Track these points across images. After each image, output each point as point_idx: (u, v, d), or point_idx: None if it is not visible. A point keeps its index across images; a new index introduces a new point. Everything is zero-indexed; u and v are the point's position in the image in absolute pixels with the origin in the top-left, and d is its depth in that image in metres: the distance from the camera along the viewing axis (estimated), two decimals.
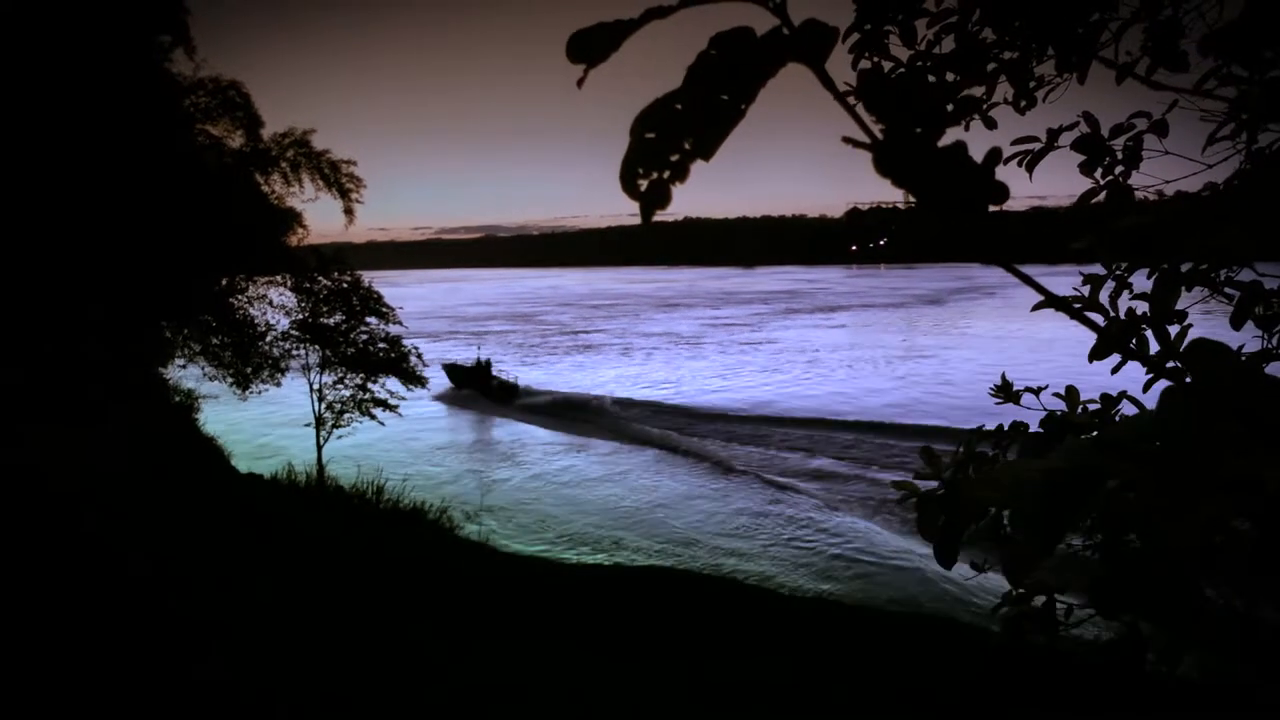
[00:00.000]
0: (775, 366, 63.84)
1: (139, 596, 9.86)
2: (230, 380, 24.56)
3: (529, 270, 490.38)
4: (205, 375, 24.75)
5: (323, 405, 25.88)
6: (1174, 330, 1.85)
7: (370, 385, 26.13)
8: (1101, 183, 2.54)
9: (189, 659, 8.56)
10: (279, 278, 25.83)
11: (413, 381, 26.42)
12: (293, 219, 25.03)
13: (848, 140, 0.65)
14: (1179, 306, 1.81)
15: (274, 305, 26.02)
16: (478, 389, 54.39)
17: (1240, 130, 2.24)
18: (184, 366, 24.62)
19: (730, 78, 0.67)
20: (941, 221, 0.64)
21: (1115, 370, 1.66)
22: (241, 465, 25.16)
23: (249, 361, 24.58)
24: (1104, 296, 1.97)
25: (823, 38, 0.65)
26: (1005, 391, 2.83)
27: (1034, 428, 2.32)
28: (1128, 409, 2.21)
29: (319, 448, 25.20)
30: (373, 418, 26.11)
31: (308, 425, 26.28)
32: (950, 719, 9.23)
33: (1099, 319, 1.78)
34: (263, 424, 38.74)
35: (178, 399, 26.17)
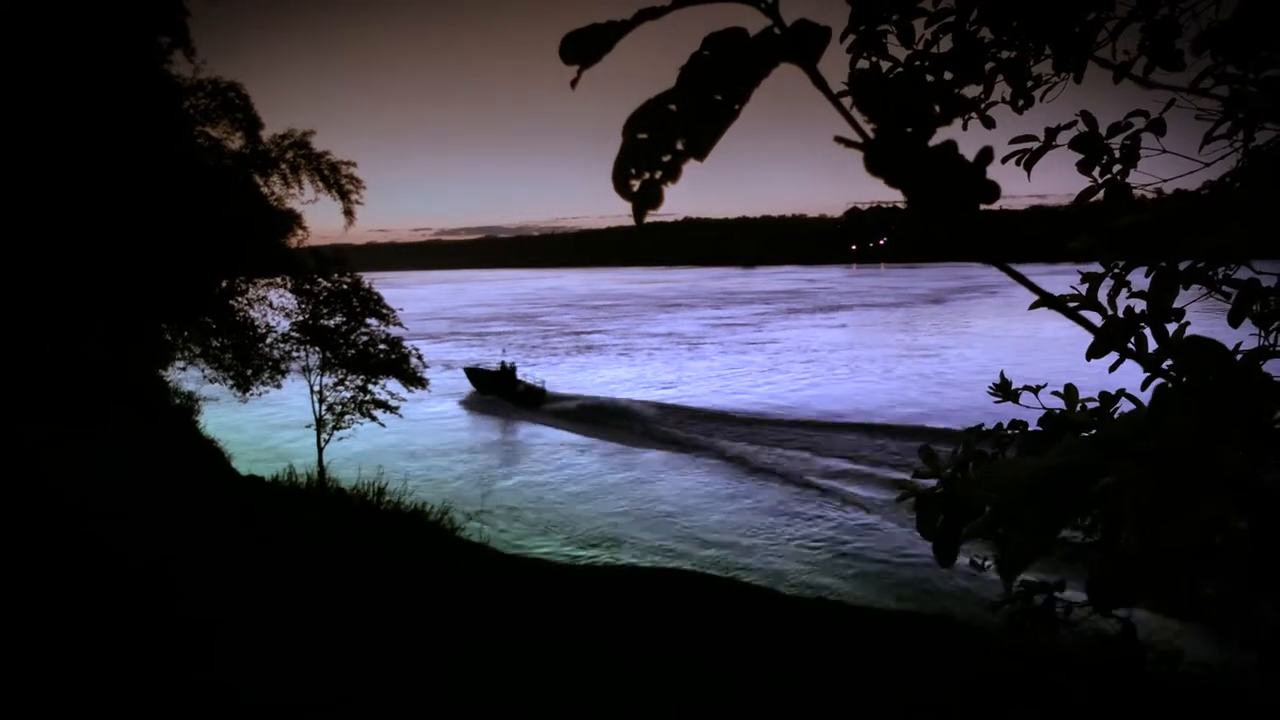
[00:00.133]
0: (789, 367, 63.65)
1: (139, 597, 9.87)
2: (230, 382, 24.56)
3: (529, 271, 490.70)
4: (205, 377, 24.75)
5: (323, 407, 25.89)
6: (1172, 328, 1.86)
7: (371, 387, 26.14)
8: (1100, 181, 2.54)
9: (188, 660, 8.56)
10: (279, 279, 25.85)
11: (413, 383, 26.44)
12: (292, 220, 25.03)
13: (840, 140, 0.65)
14: (1177, 304, 1.81)
15: (274, 307, 26.04)
16: (502, 394, 52.90)
17: (1237, 128, 2.24)
18: (184, 369, 24.63)
19: (723, 78, 0.67)
20: (934, 221, 0.65)
21: (1113, 368, 1.66)
22: (244, 467, 25.17)
23: (249, 363, 24.58)
24: (1103, 295, 1.97)
25: (814, 38, 0.65)
26: (1004, 390, 2.83)
27: (1035, 426, 2.32)
28: (1126, 407, 2.21)
29: (319, 449, 25.21)
30: (373, 419, 26.13)
31: (308, 427, 26.30)
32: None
33: (1097, 317, 1.78)
34: (265, 426, 38.76)
35: (178, 401, 26.18)
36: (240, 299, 25.07)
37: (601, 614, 13.69)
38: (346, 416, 25.96)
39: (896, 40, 2.71)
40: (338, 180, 25.95)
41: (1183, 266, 1.85)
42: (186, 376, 25.31)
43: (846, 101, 0.67)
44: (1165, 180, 2.56)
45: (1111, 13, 2.38)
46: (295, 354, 26.07)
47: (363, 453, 31.69)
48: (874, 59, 2.74)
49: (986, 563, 2.68)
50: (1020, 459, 1.03)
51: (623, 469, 34.53)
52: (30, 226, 14.55)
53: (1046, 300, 1.03)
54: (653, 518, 27.68)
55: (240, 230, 21.14)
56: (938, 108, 2.66)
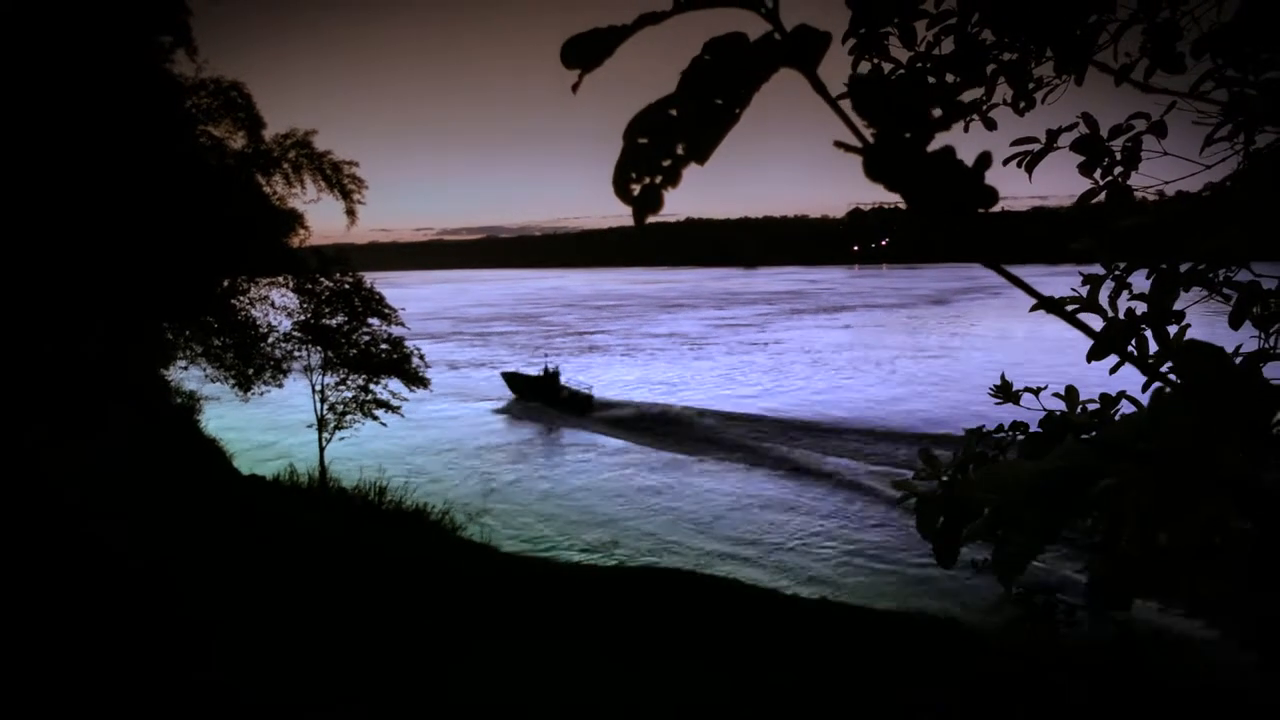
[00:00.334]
0: (810, 369, 62.82)
1: (139, 597, 9.87)
2: (232, 381, 24.57)
3: (531, 271, 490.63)
4: (207, 377, 24.76)
5: (325, 406, 25.91)
6: (1173, 330, 1.86)
7: (372, 386, 26.16)
8: (1101, 183, 2.54)
9: (188, 660, 8.57)
10: (281, 279, 25.87)
11: (415, 383, 26.45)
12: (294, 220, 25.04)
13: (839, 145, 0.65)
14: (1179, 306, 1.81)
15: (276, 306, 26.06)
16: (546, 400, 50.25)
17: (1238, 131, 2.24)
18: (186, 368, 24.64)
19: (724, 82, 0.67)
20: (931, 226, 0.65)
21: (1113, 371, 1.66)
22: (245, 467, 25.20)
23: (251, 363, 24.59)
24: (1104, 296, 1.97)
25: (814, 43, 0.66)
26: (1004, 392, 2.83)
27: (1036, 428, 2.32)
28: (1127, 408, 2.21)
29: (321, 449, 25.23)
30: (375, 418, 26.14)
31: (310, 427, 26.32)
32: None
33: (1097, 320, 1.78)
34: (268, 426, 38.72)
35: (180, 400, 26.20)
36: (242, 298, 25.08)
37: (601, 614, 13.69)
38: (348, 416, 25.97)
39: (899, 42, 2.71)
40: (340, 180, 25.96)
41: (1183, 269, 1.85)
42: (188, 376, 25.31)
43: (846, 105, 0.67)
44: (1166, 182, 2.56)
45: (1112, 15, 2.38)
46: (297, 353, 26.10)
47: (392, 454, 31.81)
48: (875, 61, 2.74)
49: (986, 564, 2.68)
50: (1020, 461, 1.03)
51: (716, 486, 32.49)
52: (31, 226, 14.56)
53: (1045, 303, 1.03)
54: (766, 544, 25.80)
55: (242, 230, 21.14)
56: (938, 111, 2.67)
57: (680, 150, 0.68)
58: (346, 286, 26.44)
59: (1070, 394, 2.27)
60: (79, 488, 12.49)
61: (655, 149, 0.68)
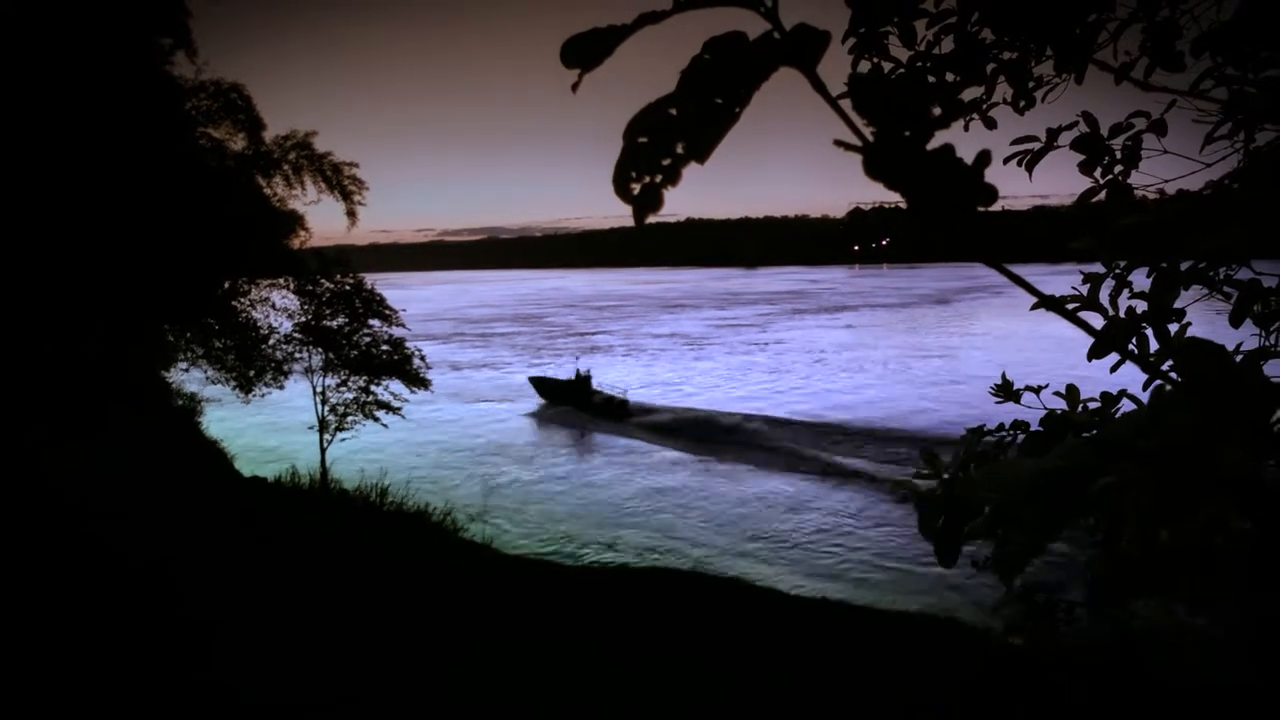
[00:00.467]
0: (828, 370, 61.75)
1: (139, 597, 9.87)
2: (233, 383, 24.58)
3: (532, 271, 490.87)
4: (208, 378, 24.77)
5: (326, 408, 25.91)
6: (1173, 329, 1.86)
7: (373, 388, 26.15)
8: (1101, 182, 2.54)
9: (189, 660, 8.57)
10: (282, 280, 25.87)
11: (416, 384, 26.43)
12: (295, 221, 25.04)
13: (839, 144, 0.65)
14: (1179, 305, 1.81)
15: (277, 308, 26.06)
16: (577, 405, 47.76)
17: (1238, 129, 2.24)
18: (187, 369, 24.64)
19: (723, 82, 0.67)
20: (931, 226, 0.65)
21: (1114, 369, 1.66)
22: (247, 468, 25.20)
23: (252, 364, 24.60)
24: (1104, 295, 1.97)
25: (813, 42, 0.66)
26: (1005, 390, 2.83)
27: (1037, 427, 2.32)
28: (1128, 407, 2.21)
29: (322, 450, 25.24)
30: (376, 420, 26.14)
31: (311, 428, 26.32)
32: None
33: (1098, 318, 1.78)
34: (270, 427, 38.66)
35: (181, 402, 26.20)
36: (243, 300, 25.09)
37: (602, 614, 13.70)
38: (349, 418, 25.96)
39: (898, 41, 2.71)
40: (340, 181, 25.97)
41: (1184, 267, 1.85)
42: (189, 377, 25.31)
43: (846, 104, 0.67)
44: (1167, 181, 2.56)
45: (1112, 14, 2.39)
46: (298, 355, 26.09)
47: (426, 464, 31.50)
48: (875, 60, 2.74)
49: (987, 563, 2.69)
50: (1021, 459, 1.03)
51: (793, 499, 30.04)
52: (31, 227, 14.56)
53: (1046, 302, 1.03)
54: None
55: (243, 231, 21.15)
56: (938, 110, 2.67)
57: (680, 149, 0.68)
58: (347, 288, 26.43)
59: (1071, 393, 2.27)
60: (79, 488, 12.50)
61: (655, 148, 0.68)
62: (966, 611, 16.44)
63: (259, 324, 25.38)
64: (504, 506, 29.18)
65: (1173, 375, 0.87)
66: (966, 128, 2.90)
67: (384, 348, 26.44)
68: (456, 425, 44.95)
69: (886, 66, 2.76)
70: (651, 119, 0.68)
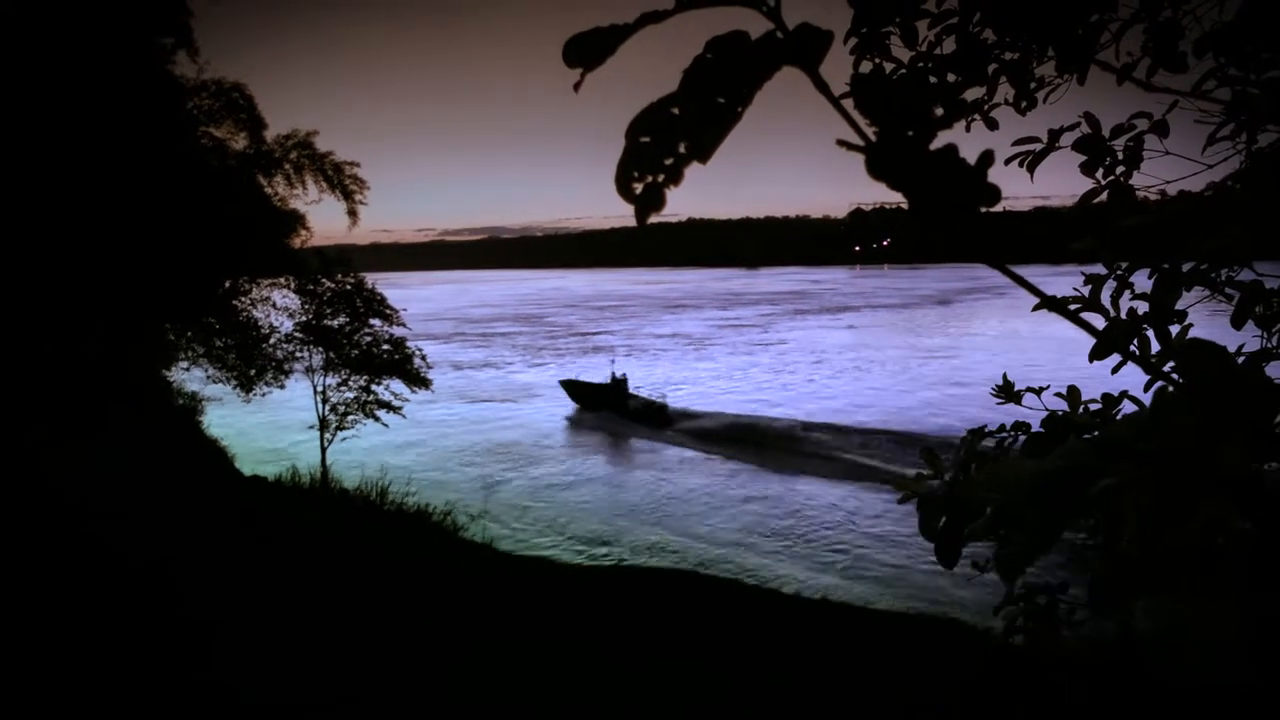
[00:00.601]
0: (853, 372, 60.58)
1: (139, 597, 9.88)
2: (234, 383, 24.59)
3: (533, 271, 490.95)
4: (209, 378, 24.78)
5: (326, 407, 25.91)
6: (1175, 330, 1.86)
7: (374, 387, 26.15)
8: (1103, 183, 2.54)
9: (189, 660, 8.57)
10: (282, 280, 25.88)
11: (417, 383, 26.42)
12: (296, 221, 25.06)
13: (842, 143, 0.65)
14: (1181, 306, 1.81)
15: (277, 307, 26.07)
16: (614, 410, 45.22)
17: (1240, 130, 2.24)
18: (188, 369, 24.65)
19: (726, 81, 0.67)
20: (934, 226, 0.65)
21: (1115, 370, 1.66)
22: (248, 468, 25.20)
23: (252, 364, 24.61)
24: (1106, 296, 1.97)
25: (816, 42, 0.65)
26: (1006, 392, 2.82)
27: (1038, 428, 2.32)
28: (1129, 408, 2.21)
29: (323, 450, 25.24)
30: (376, 419, 26.13)
31: (311, 428, 26.33)
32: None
33: (1100, 319, 1.78)
34: (273, 427, 38.61)
35: (181, 401, 26.21)
36: (244, 299, 25.11)
37: (602, 614, 13.69)
38: (350, 417, 25.96)
39: (900, 41, 2.71)
40: (341, 181, 25.98)
41: (1186, 268, 1.85)
42: (190, 377, 25.33)
43: (848, 104, 0.67)
44: (1168, 182, 2.56)
45: (1114, 15, 2.39)
46: (299, 354, 26.09)
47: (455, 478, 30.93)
48: (877, 60, 2.74)
49: (989, 564, 2.68)
50: (1022, 460, 1.03)
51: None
52: (32, 226, 14.57)
53: (1048, 302, 1.03)
54: None
55: (244, 231, 21.16)
56: (940, 110, 2.67)
57: (682, 149, 0.68)
58: (348, 287, 26.43)
59: (1072, 394, 2.26)
60: (79, 488, 12.50)
61: (657, 147, 0.68)
62: (966, 612, 16.43)
63: (260, 323, 25.40)
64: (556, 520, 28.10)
65: (1174, 376, 0.87)
66: (968, 128, 2.90)
67: (385, 347, 26.43)
68: (481, 426, 44.01)
69: (888, 67, 2.76)
70: (654, 118, 0.68)
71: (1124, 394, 2.17)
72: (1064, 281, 2.07)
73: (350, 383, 26.09)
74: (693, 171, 0.69)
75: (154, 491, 14.61)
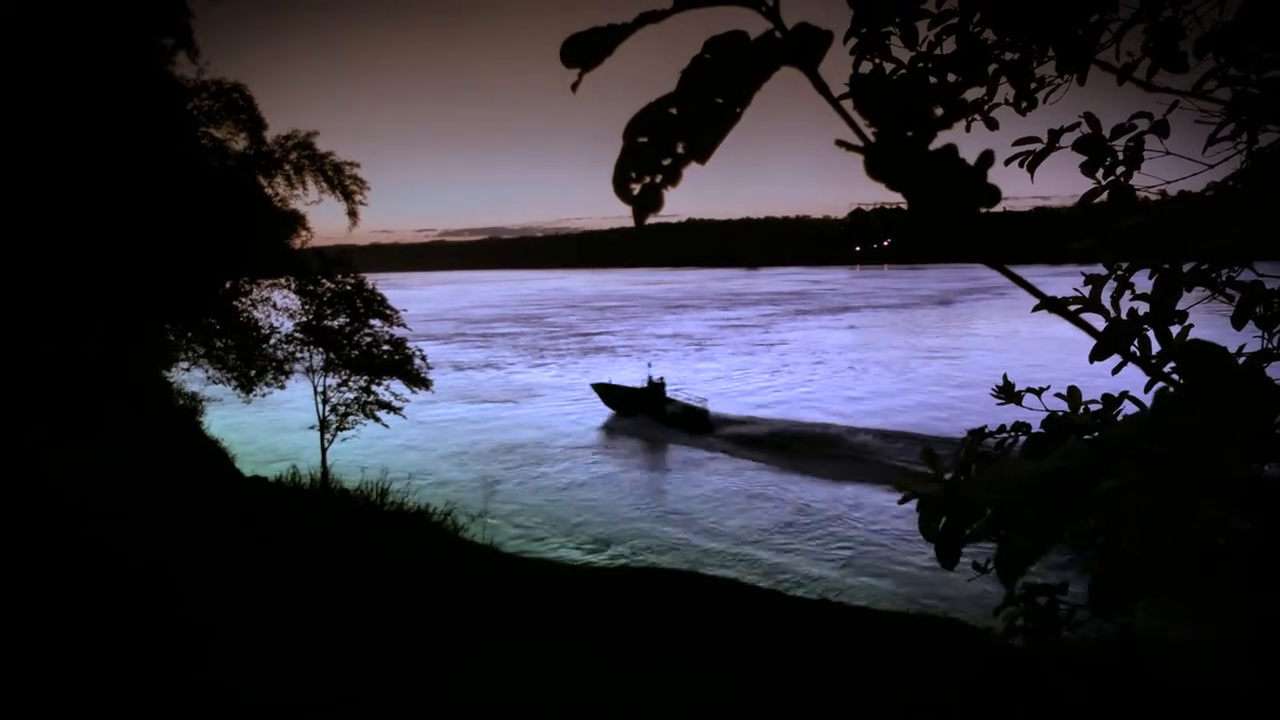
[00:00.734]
0: (879, 374, 59.25)
1: (139, 597, 9.88)
2: (234, 383, 24.58)
3: (533, 271, 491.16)
4: (209, 378, 24.78)
5: (327, 408, 25.90)
6: (1176, 330, 1.86)
7: (374, 388, 26.14)
8: (1103, 183, 2.53)
9: (189, 660, 8.57)
10: (282, 280, 25.87)
11: (417, 384, 26.40)
12: (296, 221, 25.04)
13: (841, 144, 0.65)
14: (1181, 306, 1.81)
15: (278, 308, 26.06)
16: (651, 415, 42.90)
17: (1241, 130, 2.24)
18: (188, 369, 24.65)
19: (724, 81, 0.67)
20: (933, 227, 0.65)
21: (1115, 371, 1.66)
22: (249, 469, 25.20)
23: (253, 364, 24.60)
24: (1106, 297, 1.97)
25: (815, 42, 0.65)
26: (1006, 392, 2.82)
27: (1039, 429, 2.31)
28: (1130, 409, 2.21)
29: (323, 451, 25.24)
30: (376, 419, 26.12)
31: (311, 428, 26.32)
32: None
33: (1100, 320, 1.78)
34: (274, 427, 38.57)
35: (182, 402, 26.21)
36: (244, 300, 25.10)
37: (602, 614, 13.70)
38: (350, 417, 25.95)
39: (900, 41, 2.71)
40: (341, 181, 25.97)
41: (1186, 268, 1.85)
42: (191, 377, 25.32)
43: (848, 104, 0.67)
44: (1169, 182, 2.56)
45: (1115, 14, 2.38)
46: (299, 355, 26.08)
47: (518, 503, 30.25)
48: (877, 60, 2.74)
49: (989, 565, 2.67)
50: (1022, 461, 1.03)
51: None
52: (32, 226, 14.57)
53: (1048, 303, 1.03)
54: None
55: (244, 231, 21.16)
56: (940, 110, 2.67)
57: (681, 149, 0.67)
58: (348, 288, 26.42)
59: (1072, 394, 2.26)
60: (79, 488, 12.50)
61: (655, 148, 0.67)
62: (966, 612, 16.43)
63: (260, 324, 25.38)
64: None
65: (1174, 378, 0.87)
66: (968, 128, 2.89)
67: (385, 348, 26.42)
68: (531, 431, 42.20)
69: (888, 67, 2.76)
70: (652, 119, 0.68)
71: (1124, 394, 2.17)
72: (1064, 282, 2.07)
73: (350, 383, 26.08)
74: (692, 171, 0.69)
75: (154, 491, 14.61)
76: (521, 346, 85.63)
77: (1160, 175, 2.53)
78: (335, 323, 26.16)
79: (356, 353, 26.08)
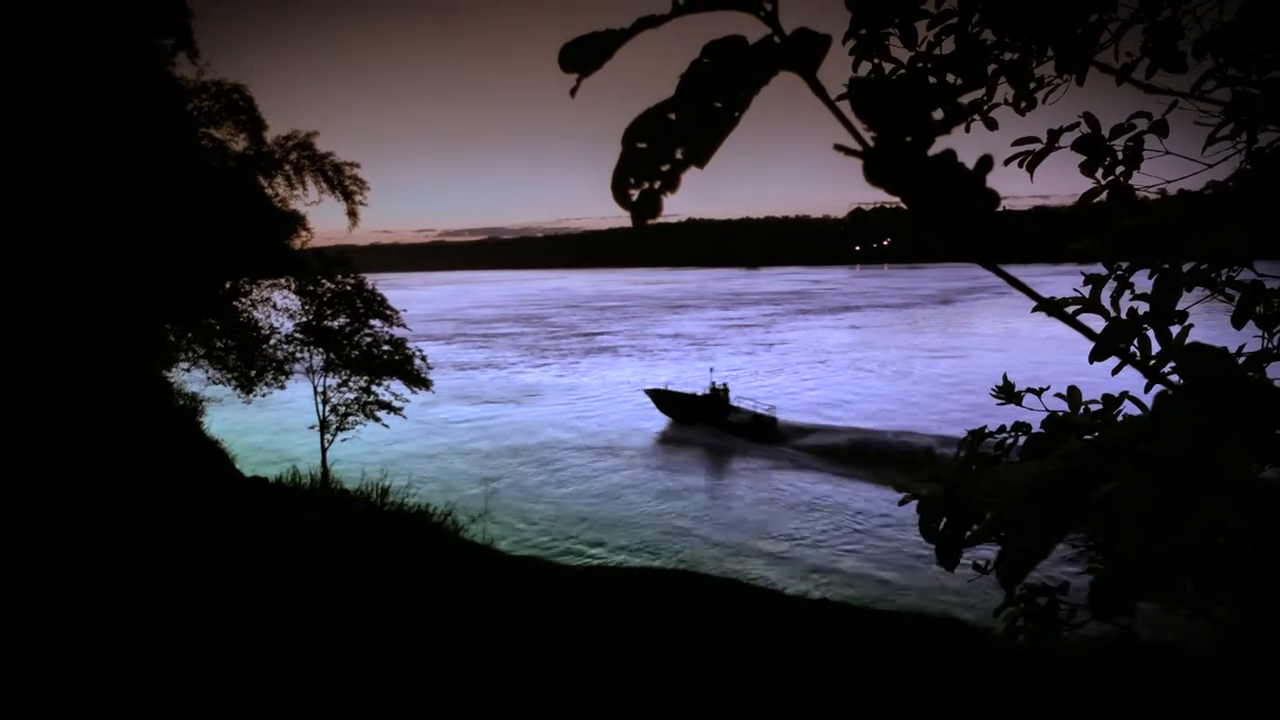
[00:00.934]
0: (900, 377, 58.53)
1: (139, 597, 9.88)
2: (234, 383, 24.57)
3: (533, 272, 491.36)
4: (209, 379, 24.76)
5: (327, 408, 25.88)
6: (1175, 330, 1.86)
7: (374, 388, 26.12)
8: (1103, 183, 2.54)
9: (188, 660, 8.57)
10: (283, 280, 25.84)
11: (417, 384, 26.38)
12: (296, 222, 25.01)
13: (839, 148, 0.65)
14: (1181, 306, 1.81)
15: (278, 308, 26.04)
16: (713, 424, 40.65)
17: (1240, 130, 2.24)
18: (188, 370, 24.63)
19: (723, 86, 0.67)
20: (932, 230, 0.65)
21: (1115, 372, 1.66)
22: (249, 469, 25.18)
23: (253, 364, 24.58)
24: (1106, 297, 1.97)
25: (813, 46, 0.65)
26: (1006, 392, 2.82)
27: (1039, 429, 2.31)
28: (1130, 409, 2.21)
29: (323, 451, 25.23)
30: (377, 420, 26.10)
31: (311, 428, 26.30)
32: None
33: (1100, 320, 1.78)
34: (274, 428, 38.54)
35: (182, 402, 26.19)
36: (244, 300, 25.08)
37: (601, 614, 13.69)
38: (350, 418, 25.93)
39: (899, 42, 2.71)
40: (341, 181, 25.95)
41: (1186, 268, 1.85)
42: (191, 378, 25.30)
43: (846, 106, 0.67)
44: (1168, 182, 2.56)
45: (1114, 15, 2.38)
46: (299, 355, 26.06)
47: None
48: (876, 61, 2.74)
49: (989, 565, 2.68)
50: (1022, 462, 1.03)
51: None
52: (32, 227, 14.57)
53: (1045, 305, 1.03)
54: None
55: (244, 232, 21.15)
56: (939, 113, 2.68)
57: (679, 154, 0.67)
58: (348, 288, 26.39)
59: (1072, 395, 2.26)
60: (79, 488, 12.50)
61: (654, 154, 0.67)
62: (967, 612, 16.43)
63: (260, 324, 25.36)
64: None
65: (1173, 378, 0.87)
66: (967, 129, 2.89)
67: (385, 348, 26.40)
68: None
69: (887, 68, 2.76)
70: (650, 124, 0.68)
71: (1124, 394, 2.17)
72: (1064, 281, 2.07)
73: (350, 383, 26.06)
74: (692, 172, 0.69)
75: (154, 491, 14.60)
76: (523, 347, 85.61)
77: (1160, 175, 2.54)
78: (335, 323, 26.14)
79: (356, 353, 26.06)
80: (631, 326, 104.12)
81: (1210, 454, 0.67)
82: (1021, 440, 2.59)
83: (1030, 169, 2.68)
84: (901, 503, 1.74)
